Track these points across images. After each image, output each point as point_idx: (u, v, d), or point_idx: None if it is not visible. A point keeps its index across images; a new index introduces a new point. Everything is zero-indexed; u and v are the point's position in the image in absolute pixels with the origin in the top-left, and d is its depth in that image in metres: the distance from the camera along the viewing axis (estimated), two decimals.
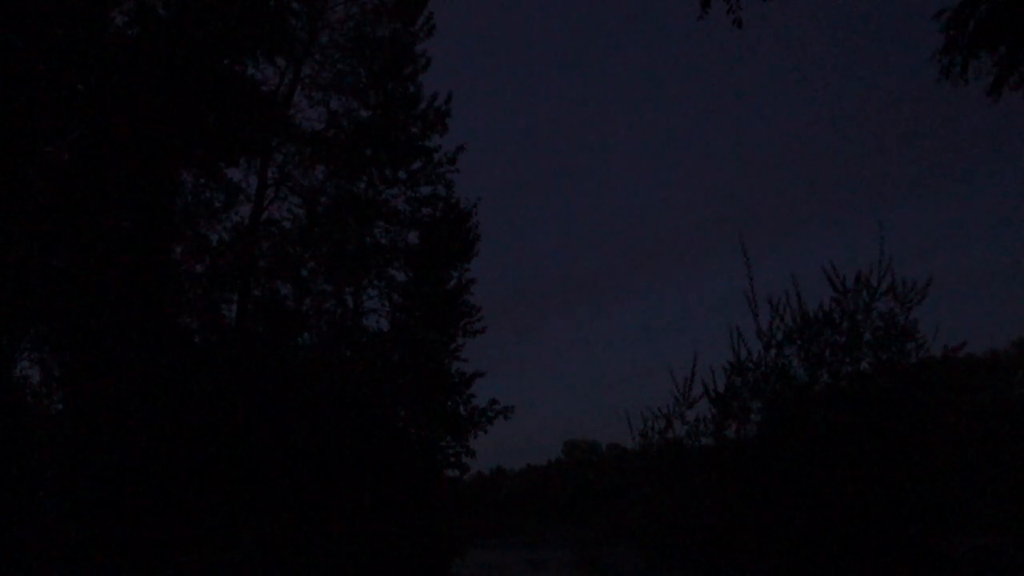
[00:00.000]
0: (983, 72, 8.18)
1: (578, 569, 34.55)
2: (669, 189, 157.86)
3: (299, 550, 14.35)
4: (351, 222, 19.61)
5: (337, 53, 19.73)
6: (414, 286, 20.05)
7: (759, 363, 8.49)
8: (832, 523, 7.40)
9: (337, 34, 19.67)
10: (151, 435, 12.82)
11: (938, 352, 8.11)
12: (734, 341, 8.55)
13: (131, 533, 12.29)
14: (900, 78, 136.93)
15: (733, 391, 8.53)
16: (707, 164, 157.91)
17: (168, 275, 15.59)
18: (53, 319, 13.66)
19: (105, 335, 13.30)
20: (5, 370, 13.31)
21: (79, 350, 13.80)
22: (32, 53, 12.80)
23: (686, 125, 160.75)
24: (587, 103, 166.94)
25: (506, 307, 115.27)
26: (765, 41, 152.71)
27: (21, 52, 12.75)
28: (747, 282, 8.58)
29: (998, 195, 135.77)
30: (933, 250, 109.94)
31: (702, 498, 8.57)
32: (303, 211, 19.56)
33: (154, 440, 12.82)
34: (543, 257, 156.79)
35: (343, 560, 15.26)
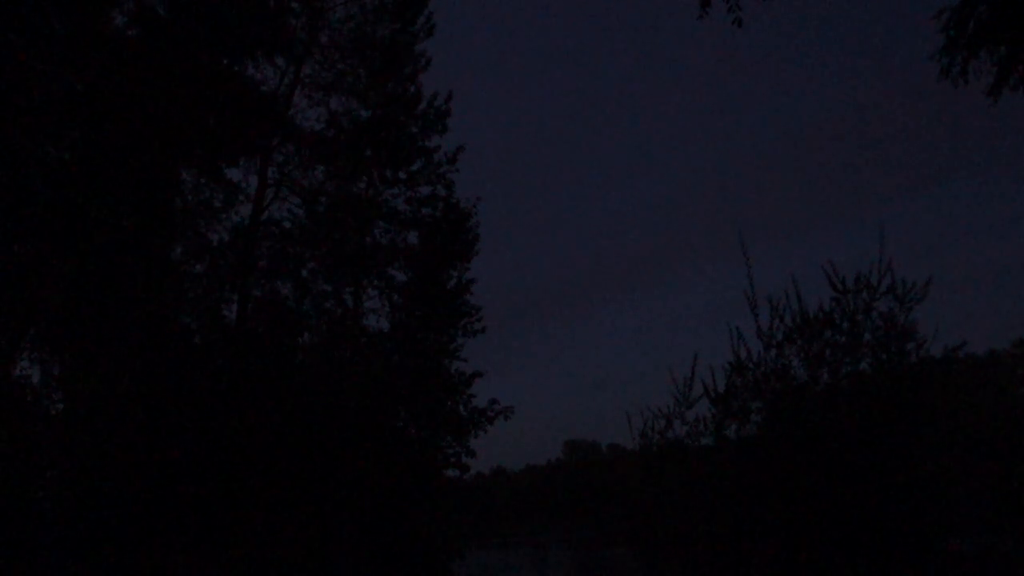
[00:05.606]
0: (983, 72, 8.17)
1: (578, 569, 34.54)
2: (669, 189, 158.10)
3: (298, 551, 14.35)
4: (351, 222, 19.60)
5: (337, 53, 19.74)
6: (414, 286, 20.03)
7: (759, 363, 8.48)
8: (832, 523, 7.41)
9: (337, 34, 19.68)
10: (151, 435, 12.82)
11: (938, 352, 8.10)
12: (734, 341, 8.56)
13: (131, 533, 12.30)
14: (900, 78, 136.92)
15: (733, 391, 8.53)
16: (707, 164, 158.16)
17: (168, 275, 15.58)
18: (53, 319, 13.65)
19: (105, 335, 13.29)
20: (5, 370, 13.31)
21: (79, 350, 13.79)
22: (32, 53, 12.80)
23: (686, 125, 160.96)
24: (587, 103, 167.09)
25: (506, 307, 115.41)
26: (765, 41, 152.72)
27: (21, 52, 12.75)
28: (747, 282, 8.58)
29: (998, 195, 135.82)
30: (933, 250, 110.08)
31: (702, 498, 8.58)
32: (303, 211, 19.58)
33: (154, 440, 12.83)
34: (543, 257, 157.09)
35: (343, 560, 15.26)
